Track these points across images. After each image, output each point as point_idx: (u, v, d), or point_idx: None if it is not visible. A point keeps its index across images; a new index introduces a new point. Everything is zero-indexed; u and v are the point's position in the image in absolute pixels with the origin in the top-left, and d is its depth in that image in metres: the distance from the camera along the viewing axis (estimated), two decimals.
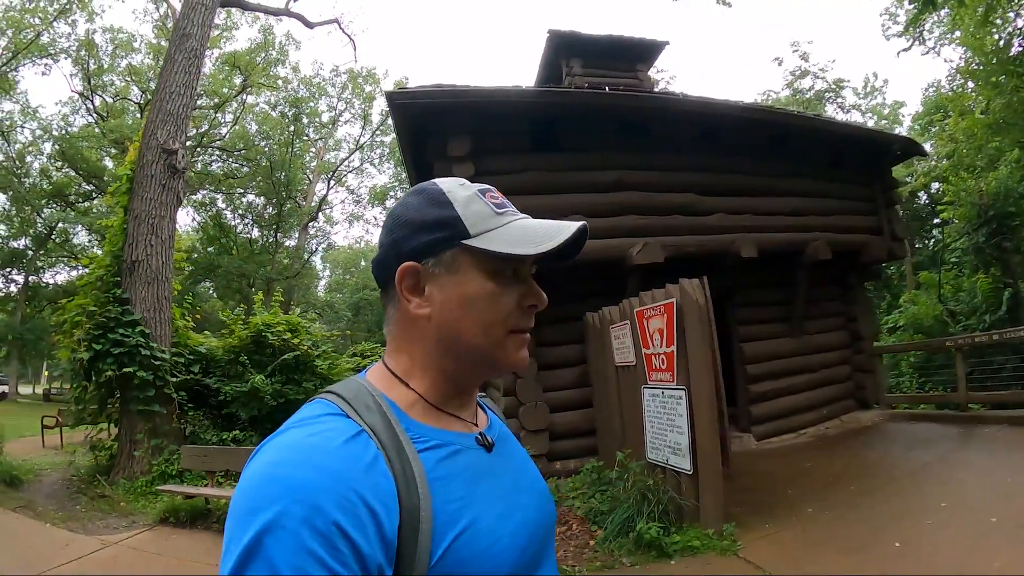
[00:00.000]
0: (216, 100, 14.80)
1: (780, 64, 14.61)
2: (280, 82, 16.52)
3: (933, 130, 10.13)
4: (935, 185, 9.32)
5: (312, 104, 17.78)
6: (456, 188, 0.54)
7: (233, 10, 13.63)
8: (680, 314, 3.21)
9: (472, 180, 2.23)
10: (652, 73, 9.29)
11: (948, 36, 7.84)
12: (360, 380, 0.53)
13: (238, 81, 14.95)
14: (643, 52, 8.44)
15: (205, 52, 6.56)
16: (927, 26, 7.73)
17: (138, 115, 14.15)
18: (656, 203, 5.29)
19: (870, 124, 17.54)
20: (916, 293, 8.43)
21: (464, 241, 0.50)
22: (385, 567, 0.41)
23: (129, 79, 14.88)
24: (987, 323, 7.44)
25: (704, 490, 3.12)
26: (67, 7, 12.86)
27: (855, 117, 14.29)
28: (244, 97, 15.51)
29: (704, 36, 52.24)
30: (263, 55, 15.15)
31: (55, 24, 13.02)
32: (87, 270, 5.87)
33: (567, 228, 0.52)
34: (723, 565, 2.79)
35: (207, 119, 14.67)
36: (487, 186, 0.56)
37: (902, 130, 14.34)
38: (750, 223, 5.64)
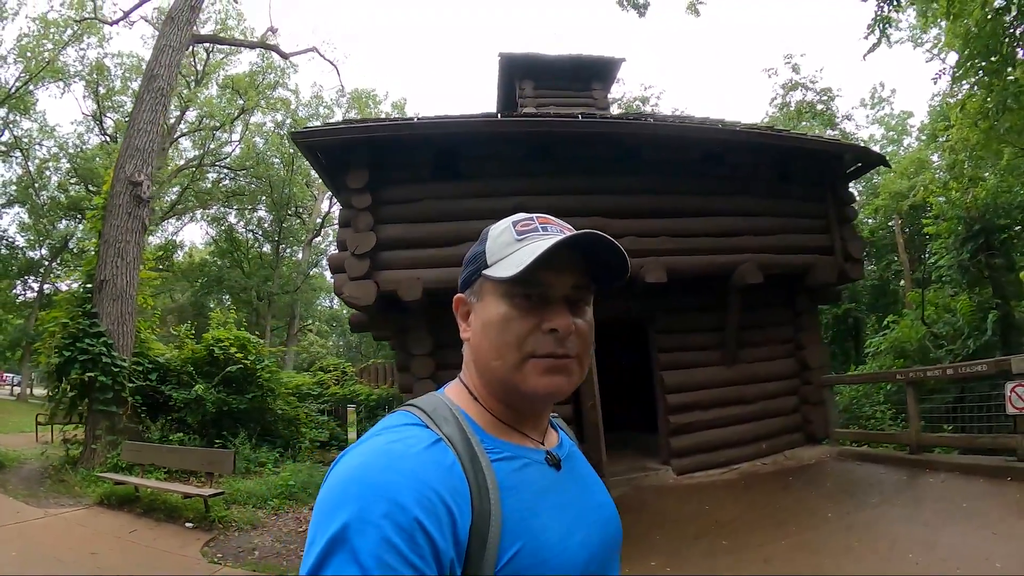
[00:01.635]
0: (215, 121, 17.31)
1: (774, 75, 14.80)
2: (280, 103, 18.93)
3: (941, 140, 10.04)
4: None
5: (314, 123, 19.89)
6: (501, 224, 0.64)
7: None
8: None
9: (371, 209, 3.74)
10: (641, 89, 10.11)
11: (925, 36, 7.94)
12: (439, 395, 0.64)
13: (241, 102, 17.35)
14: (599, 71, 9.29)
15: (172, 90, 8.26)
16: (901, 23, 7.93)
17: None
18: None
19: (878, 136, 17.07)
20: (907, 313, 8.46)
21: (483, 271, 0.62)
22: (456, 565, 0.49)
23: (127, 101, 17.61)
24: (971, 348, 7.42)
25: None
26: (79, 33, 15.62)
27: (849, 128, 14.14)
28: (248, 117, 17.97)
29: (703, 53, 56.20)
30: (261, 78, 17.51)
31: (68, 49, 15.98)
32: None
33: (545, 245, 0.58)
34: None
35: (212, 139, 17.28)
36: (528, 216, 0.65)
37: (910, 141, 14.04)
38: (664, 246, 6.05)
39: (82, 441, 6.67)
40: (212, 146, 16.81)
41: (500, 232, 0.64)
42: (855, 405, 7.90)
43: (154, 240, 18.25)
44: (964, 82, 7.46)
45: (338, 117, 20.64)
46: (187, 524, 5.02)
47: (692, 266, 6.22)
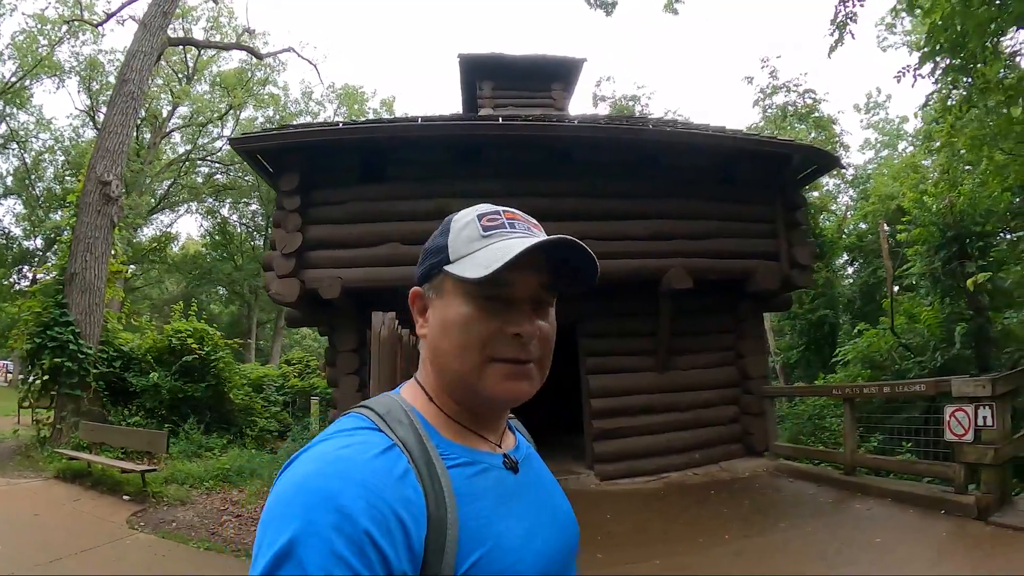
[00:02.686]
0: (202, 117, 18.83)
1: (751, 82, 14.92)
2: (270, 99, 20.54)
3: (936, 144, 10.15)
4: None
5: (302, 119, 21.40)
6: (464, 214, 0.67)
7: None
8: (376, 341, 4.78)
9: (300, 211, 4.83)
10: (634, 88, 10.61)
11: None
12: (394, 396, 0.66)
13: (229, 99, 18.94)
14: (559, 72, 9.95)
15: (144, 94, 9.42)
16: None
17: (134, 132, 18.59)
18: None
19: (872, 140, 16.89)
20: (885, 321, 8.65)
21: (445, 267, 0.63)
22: None
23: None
24: (939, 362, 7.63)
25: None
26: (75, 29, 17.42)
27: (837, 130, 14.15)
28: (239, 113, 19.50)
29: (702, 54, 59.47)
30: (250, 75, 18.98)
31: (64, 45, 17.88)
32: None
33: (515, 248, 0.59)
34: None
35: (202, 134, 18.93)
36: (494, 209, 0.67)
37: (905, 146, 13.91)
38: (591, 249, 6.76)
39: (51, 423, 7.85)
40: (204, 141, 18.38)
41: (463, 225, 0.65)
42: (817, 416, 8.18)
43: (148, 232, 20.21)
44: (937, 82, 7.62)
45: (329, 113, 22.22)
46: (125, 497, 6.06)
47: (619, 270, 6.53)
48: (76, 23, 16.51)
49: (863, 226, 11.22)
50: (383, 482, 0.52)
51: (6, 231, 21.00)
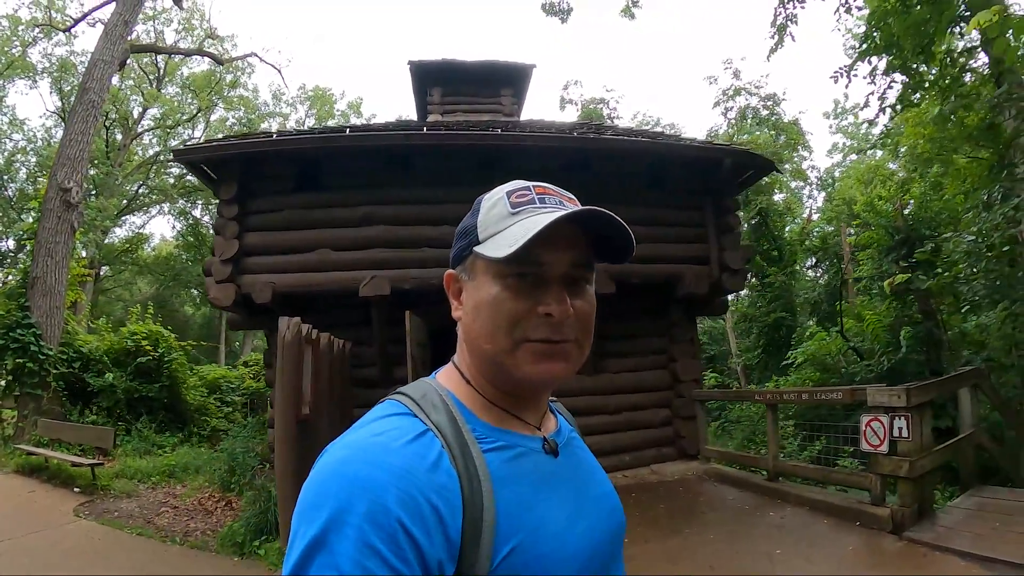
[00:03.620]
0: (172, 120, 20.13)
1: (714, 83, 15.56)
2: (240, 101, 22.00)
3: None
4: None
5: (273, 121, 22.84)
6: (494, 193, 0.70)
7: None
8: (280, 345, 5.59)
9: (238, 219, 5.96)
10: (603, 91, 11.36)
11: None
12: (429, 381, 0.71)
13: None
14: (509, 77, 10.80)
15: (103, 102, 10.44)
16: None
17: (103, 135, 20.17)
18: (403, 236, 7.36)
19: (840, 144, 17.45)
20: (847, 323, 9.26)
21: (475, 247, 0.67)
22: (446, 565, 0.54)
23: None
24: (884, 365, 8.27)
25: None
26: (48, 30, 18.68)
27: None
28: (209, 115, 20.81)
29: (669, 58, 63.89)
30: (218, 77, 20.34)
31: (36, 45, 19.17)
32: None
33: (541, 224, 0.62)
34: None
35: (172, 136, 20.18)
36: (525, 184, 0.71)
37: (873, 150, 14.50)
38: None
39: (14, 421, 8.88)
40: (175, 143, 19.47)
41: (493, 204, 0.68)
42: (762, 422, 8.83)
43: (121, 233, 21.55)
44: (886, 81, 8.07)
45: (300, 115, 23.77)
46: (76, 489, 7.05)
47: None
48: (46, 26, 17.87)
49: (829, 228, 11.89)
50: (416, 469, 0.55)
51: None
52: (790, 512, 5.17)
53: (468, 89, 10.94)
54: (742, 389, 8.78)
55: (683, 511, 5.61)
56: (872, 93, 7.89)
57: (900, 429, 4.45)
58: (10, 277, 9.91)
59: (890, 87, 7.64)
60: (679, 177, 8.17)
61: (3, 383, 8.89)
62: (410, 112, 11.80)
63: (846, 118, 20.60)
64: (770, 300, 11.02)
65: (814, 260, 12.41)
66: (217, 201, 7.92)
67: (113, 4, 10.25)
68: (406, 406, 0.64)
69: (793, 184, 16.04)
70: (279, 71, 22.86)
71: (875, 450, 4.61)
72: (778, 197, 12.27)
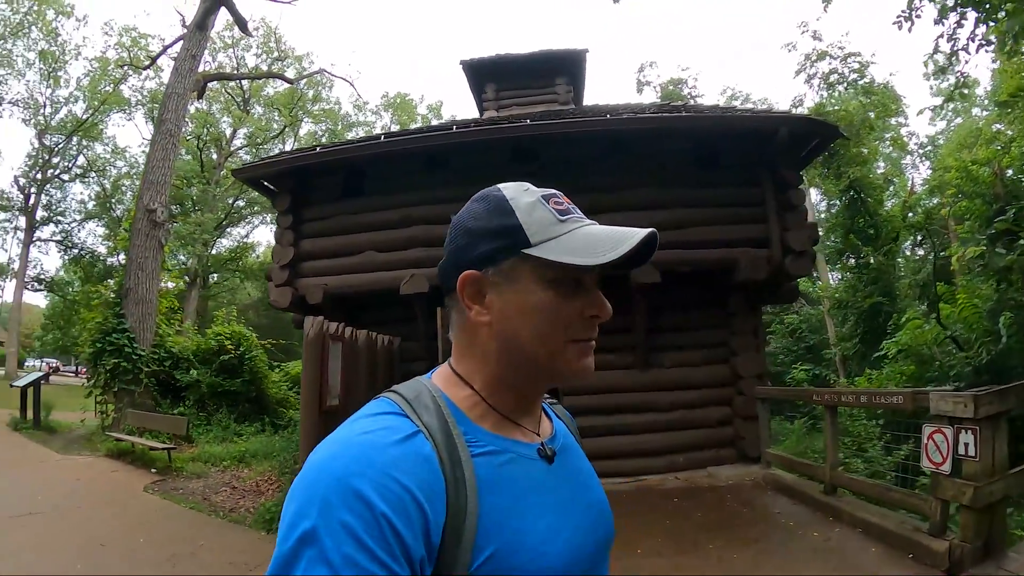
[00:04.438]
0: (260, 138, 22.12)
1: (792, 50, 13.70)
2: (326, 114, 23.99)
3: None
4: None
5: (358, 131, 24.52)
6: (520, 194, 0.71)
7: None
8: (304, 342, 5.92)
9: (293, 227, 7.05)
10: (678, 70, 10.99)
11: None
12: (424, 380, 0.72)
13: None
14: (562, 65, 10.74)
15: (180, 131, 11.73)
16: None
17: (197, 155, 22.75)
18: (440, 234, 7.59)
19: (944, 108, 14.38)
20: (944, 308, 8.11)
21: (524, 250, 0.67)
22: (426, 564, 0.56)
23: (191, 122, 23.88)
24: (983, 358, 7.23)
25: None
26: (136, 65, 21.29)
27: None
28: (296, 130, 22.60)
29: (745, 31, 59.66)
30: (297, 95, 22.35)
31: (128, 80, 22.09)
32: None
33: (632, 237, 0.67)
34: None
35: (263, 151, 22.38)
36: (552, 191, 0.73)
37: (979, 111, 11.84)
38: None
39: (111, 413, 10.22)
40: (268, 159, 21.97)
41: (532, 206, 0.69)
42: (851, 422, 8.03)
43: (227, 243, 24.21)
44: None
45: (385, 122, 25.12)
46: (152, 470, 7.99)
47: None
48: (136, 60, 20.66)
49: (935, 201, 10.40)
50: (404, 468, 0.57)
51: (92, 250, 26.36)
52: (838, 534, 4.63)
53: (521, 82, 11.02)
54: (802, 388, 7.86)
55: (719, 523, 5.23)
56: (942, 35, 6.84)
57: (966, 445, 3.74)
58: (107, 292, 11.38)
59: (960, 24, 6.55)
60: (732, 152, 7.64)
61: (102, 380, 10.23)
62: (473, 110, 12.10)
63: (947, 79, 17.71)
64: (866, 284, 9.90)
65: (919, 237, 10.95)
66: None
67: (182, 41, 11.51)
68: (398, 405, 0.66)
69: (894, 154, 14.24)
70: (351, 83, 24.78)
71: (936, 469, 3.93)
72: (880, 168, 10.94)
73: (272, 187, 8.83)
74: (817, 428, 8.90)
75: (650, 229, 0.69)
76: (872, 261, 9.84)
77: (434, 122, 26.56)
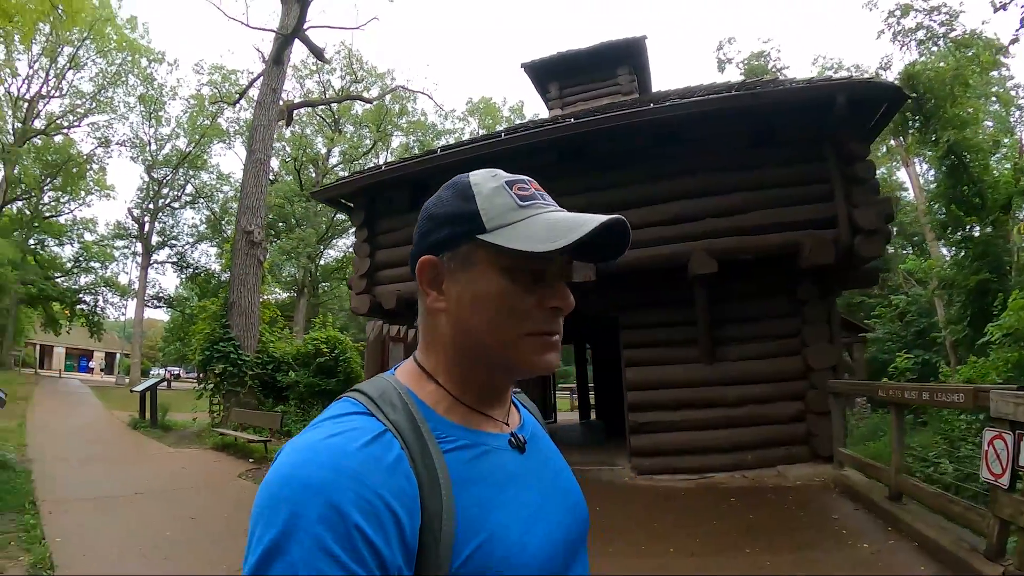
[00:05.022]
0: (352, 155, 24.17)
1: (873, 7, 11.80)
2: (415, 126, 25.99)
3: None
4: None
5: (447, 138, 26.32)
6: (485, 180, 0.69)
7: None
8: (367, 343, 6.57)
9: (368, 240, 8.44)
10: (760, 43, 10.65)
11: None
12: (387, 377, 0.70)
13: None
14: (622, 55, 10.83)
15: (269, 159, 13.15)
16: None
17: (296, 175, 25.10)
18: None
19: None
20: None
21: (479, 236, 0.65)
22: (404, 570, 0.54)
23: (286, 146, 26.62)
24: None
25: None
26: (226, 100, 23.83)
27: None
28: (389, 143, 24.78)
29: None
30: (384, 111, 24.30)
31: (224, 113, 24.88)
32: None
33: (590, 222, 0.63)
34: None
35: (359, 167, 24.59)
36: (521, 177, 0.71)
37: None
38: None
39: (219, 412, 11.68)
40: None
41: (492, 192, 0.68)
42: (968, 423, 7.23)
43: (333, 254, 26.68)
44: None
45: (473, 127, 26.29)
46: (250, 460, 9.18)
47: (639, 261, 6.98)
48: (220, 102, 23.49)
49: None
50: (374, 471, 0.55)
51: (206, 268, 29.97)
52: (890, 547, 4.32)
53: (583, 77, 11.17)
54: (870, 383, 7.12)
55: (768, 526, 5.09)
56: None
57: None
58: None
59: None
60: (789, 128, 7.27)
61: (211, 384, 11.74)
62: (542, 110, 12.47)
63: None
64: (972, 259, 8.98)
65: None
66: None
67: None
68: (363, 404, 0.64)
69: (1003, 111, 12.59)
70: (429, 96, 26.66)
71: (995, 481, 3.44)
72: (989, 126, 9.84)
73: (349, 204, 9.77)
74: (919, 424, 8.18)
75: (615, 216, 0.66)
76: (978, 234, 8.94)
77: (517, 122, 27.45)
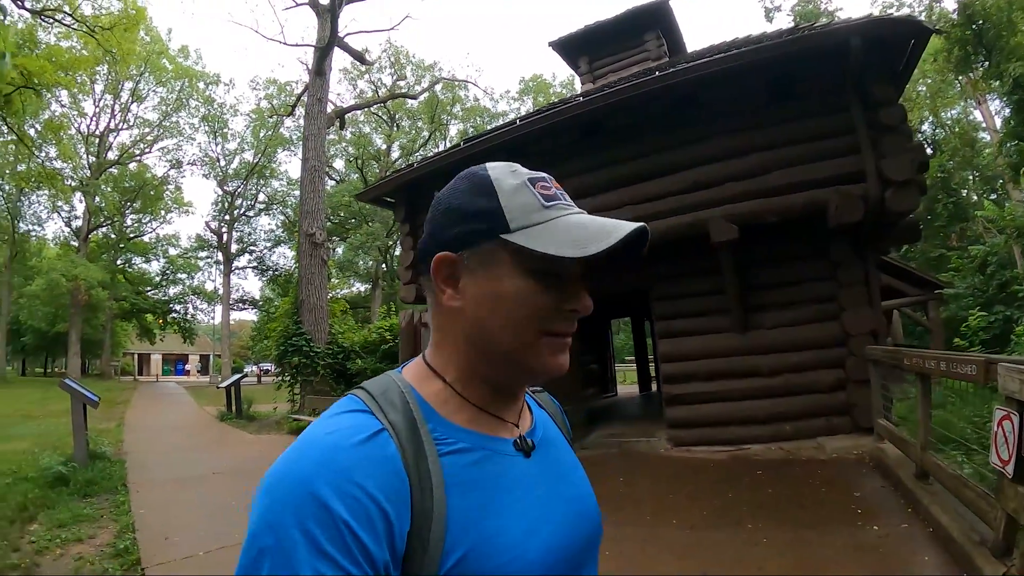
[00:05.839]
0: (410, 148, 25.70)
1: None
2: (470, 112, 27.78)
3: None
4: None
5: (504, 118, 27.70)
6: (505, 176, 0.70)
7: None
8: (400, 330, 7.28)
9: (411, 233, 10.15)
10: None
11: None
12: (392, 375, 0.72)
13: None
14: (648, 21, 10.95)
15: (323, 165, 14.41)
16: None
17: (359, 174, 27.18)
18: None
19: None
20: None
21: (503, 235, 0.66)
22: (392, 569, 0.56)
23: (348, 147, 28.24)
24: None
25: None
26: (282, 113, 25.66)
27: None
28: (447, 131, 26.88)
29: None
30: (436, 102, 25.93)
31: (285, 122, 26.98)
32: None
33: (620, 230, 0.65)
34: None
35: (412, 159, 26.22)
36: (541, 175, 0.72)
37: None
38: (627, 217, 7.58)
39: (296, 400, 13.12)
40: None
41: (514, 190, 0.69)
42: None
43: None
44: None
45: (528, 106, 27.23)
46: None
47: (655, 235, 6.81)
48: (277, 115, 25.79)
49: None
50: (366, 470, 0.57)
51: (286, 269, 32.45)
52: (902, 531, 4.11)
53: (611, 48, 11.32)
54: (898, 349, 6.53)
55: (783, 501, 5.09)
56: None
57: None
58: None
59: None
60: (809, 79, 7.04)
61: (288, 375, 13.18)
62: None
63: None
64: None
65: None
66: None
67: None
68: (364, 403, 0.66)
69: None
70: (474, 83, 28.13)
71: (1002, 468, 3.08)
72: None
73: (391, 201, 10.65)
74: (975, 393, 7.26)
75: (640, 224, 0.68)
76: None
77: (567, 96, 27.92)
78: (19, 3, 13.52)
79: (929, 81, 21.04)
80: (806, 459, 6.37)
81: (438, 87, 26.13)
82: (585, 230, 0.66)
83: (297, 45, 27.91)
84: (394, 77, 26.21)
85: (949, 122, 23.63)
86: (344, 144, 28.56)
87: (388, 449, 0.61)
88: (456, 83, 25.80)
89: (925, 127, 23.93)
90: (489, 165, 0.73)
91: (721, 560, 4.07)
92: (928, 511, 4.21)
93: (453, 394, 0.71)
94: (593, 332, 14.28)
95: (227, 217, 32.21)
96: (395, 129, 28.02)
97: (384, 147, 28.32)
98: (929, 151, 25.42)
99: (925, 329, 12.01)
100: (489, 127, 27.99)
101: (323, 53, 13.78)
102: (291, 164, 56.30)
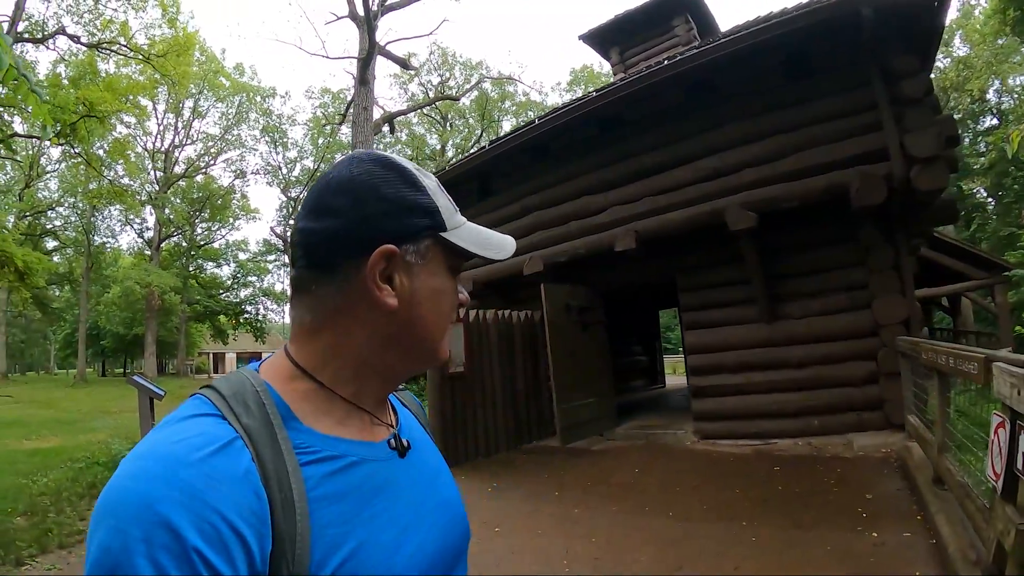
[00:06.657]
0: (464, 146, 26.86)
1: None
2: (521, 107, 28.44)
3: None
4: None
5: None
6: (421, 174, 0.72)
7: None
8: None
9: None
10: None
11: None
12: (245, 373, 0.65)
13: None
14: (675, 5, 11.13)
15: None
16: None
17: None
18: (551, 216, 8.72)
19: None
20: None
21: (441, 233, 0.69)
22: None
23: (405, 148, 29.69)
24: None
25: None
26: (334, 121, 26.94)
27: None
28: (499, 127, 27.71)
29: None
30: (485, 99, 26.94)
31: (341, 128, 28.41)
32: None
33: (510, 244, 0.77)
34: None
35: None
36: (431, 175, 0.77)
37: None
38: (637, 210, 7.67)
39: None
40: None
41: (435, 188, 0.71)
42: None
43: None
44: None
45: (578, 95, 28.49)
46: None
47: (670, 224, 7.42)
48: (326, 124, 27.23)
49: None
50: (218, 488, 0.52)
51: None
52: (902, 541, 3.88)
53: (640, 36, 11.39)
54: (918, 341, 5.93)
55: (789, 499, 5.00)
56: None
57: None
58: None
59: None
60: (825, 55, 6.89)
61: None
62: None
63: None
64: None
65: None
66: None
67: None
68: (215, 405, 0.60)
69: None
70: (519, 80, 29.33)
71: (994, 481, 2.74)
72: None
73: None
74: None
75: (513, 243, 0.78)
76: None
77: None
78: (76, 39, 15.13)
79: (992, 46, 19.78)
80: (830, 456, 6.19)
81: (486, 85, 27.09)
82: (486, 236, 0.75)
83: (340, 58, 29.65)
84: (443, 78, 27.43)
85: (1018, 89, 22.30)
86: (400, 147, 29.89)
87: (243, 462, 0.56)
88: (503, 80, 26.61)
89: (990, 95, 22.66)
90: (395, 157, 0.72)
91: (702, 555, 4.08)
92: (934, 520, 3.93)
93: (324, 394, 0.67)
94: (641, 323, 14.32)
95: (291, 222, 34.45)
96: (447, 128, 29.18)
97: (439, 147, 29.61)
98: (995, 121, 23.96)
99: (994, 316, 11.48)
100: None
101: (364, 63, 14.38)
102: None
